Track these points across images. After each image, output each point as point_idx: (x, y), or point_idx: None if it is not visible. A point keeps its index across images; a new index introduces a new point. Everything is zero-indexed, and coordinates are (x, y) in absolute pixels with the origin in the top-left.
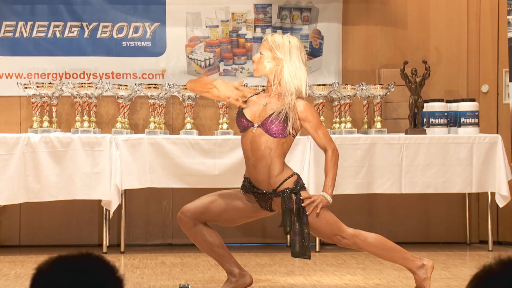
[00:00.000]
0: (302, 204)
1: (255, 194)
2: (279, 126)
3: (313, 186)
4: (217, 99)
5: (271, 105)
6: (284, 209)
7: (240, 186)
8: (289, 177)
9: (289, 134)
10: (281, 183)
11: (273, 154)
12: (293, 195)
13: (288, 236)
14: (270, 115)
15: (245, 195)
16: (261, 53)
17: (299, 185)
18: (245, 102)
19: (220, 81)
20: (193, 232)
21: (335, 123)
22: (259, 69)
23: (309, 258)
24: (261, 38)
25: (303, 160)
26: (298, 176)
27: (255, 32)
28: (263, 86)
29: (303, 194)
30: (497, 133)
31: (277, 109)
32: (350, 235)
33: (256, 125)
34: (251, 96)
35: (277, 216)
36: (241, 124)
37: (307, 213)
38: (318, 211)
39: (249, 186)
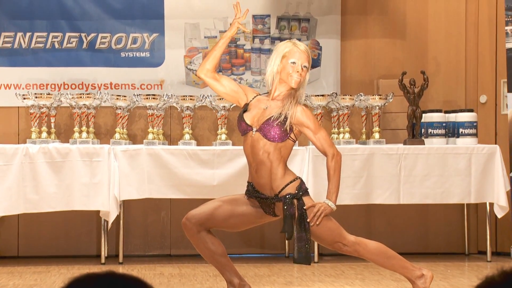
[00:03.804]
0: (304, 207)
1: (258, 199)
2: (276, 130)
3: (312, 196)
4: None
5: (270, 109)
6: (285, 215)
7: (243, 192)
8: (291, 182)
9: (288, 138)
10: (283, 188)
11: (271, 158)
12: (295, 201)
13: (287, 245)
14: (267, 119)
15: (249, 200)
16: (305, 66)
17: (302, 190)
18: (247, 105)
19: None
20: (196, 239)
21: (334, 133)
22: (300, 82)
23: (309, 264)
24: (259, 49)
25: (302, 170)
26: (301, 180)
27: (253, 42)
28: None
29: (306, 200)
30: (496, 143)
31: (275, 113)
32: (351, 243)
33: (254, 129)
34: (252, 99)
35: (276, 226)
36: (241, 127)
37: (308, 220)
38: (319, 221)
39: (252, 191)
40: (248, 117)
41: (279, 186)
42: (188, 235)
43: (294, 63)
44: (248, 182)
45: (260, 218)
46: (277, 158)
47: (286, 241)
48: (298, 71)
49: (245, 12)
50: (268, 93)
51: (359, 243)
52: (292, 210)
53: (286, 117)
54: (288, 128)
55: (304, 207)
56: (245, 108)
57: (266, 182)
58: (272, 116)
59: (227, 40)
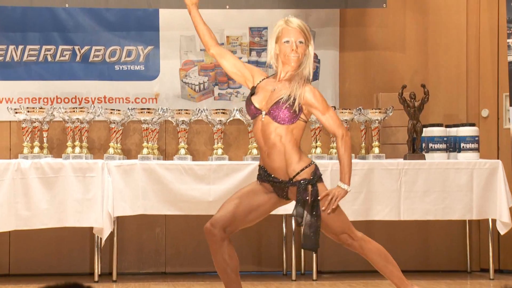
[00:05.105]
0: (318, 198)
1: (271, 183)
2: (285, 113)
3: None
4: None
5: (278, 91)
6: (298, 199)
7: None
8: (306, 167)
9: (298, 119)
10: (298, 173)
11: (284, 141)
12: (309, 186)
13: (284, 262)
14: (276, 102)
15: (262, 185)
16: (300, 42)
17: (316, 176)
18: (254, 87)
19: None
20: (218, 247)
21: (332, 148)
22: (299, 59)
23: (316, 250)
24: (256, 62)
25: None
26: (316, 166)
27: (250, 55)
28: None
29: (320, 187)
30: (498, 158)
31: (284, 95)
32: (358, 237)
33: (264, 112)
34: (260, 82)
35: (274, 242)
36: (250, 111)
37: (322, 208)
38: (335, 205)
39: (264, 175)
40: (256, 101)
41: (294, 170)
42: (211, 241)
43: (287, 42)
44: (259, 165)
45: (275, 204)
46: (289, 141)
47: (284, 258)
48: (293, 49)
49: None
50: (275, 74)
51: (365, 240)
52: (305, 196)
53: (294, 99)
54: (297, 109)
55: (318, 196)
56: (253, 91)
57: (280, 166)
58: (281, 99)
59: (193, 8)
